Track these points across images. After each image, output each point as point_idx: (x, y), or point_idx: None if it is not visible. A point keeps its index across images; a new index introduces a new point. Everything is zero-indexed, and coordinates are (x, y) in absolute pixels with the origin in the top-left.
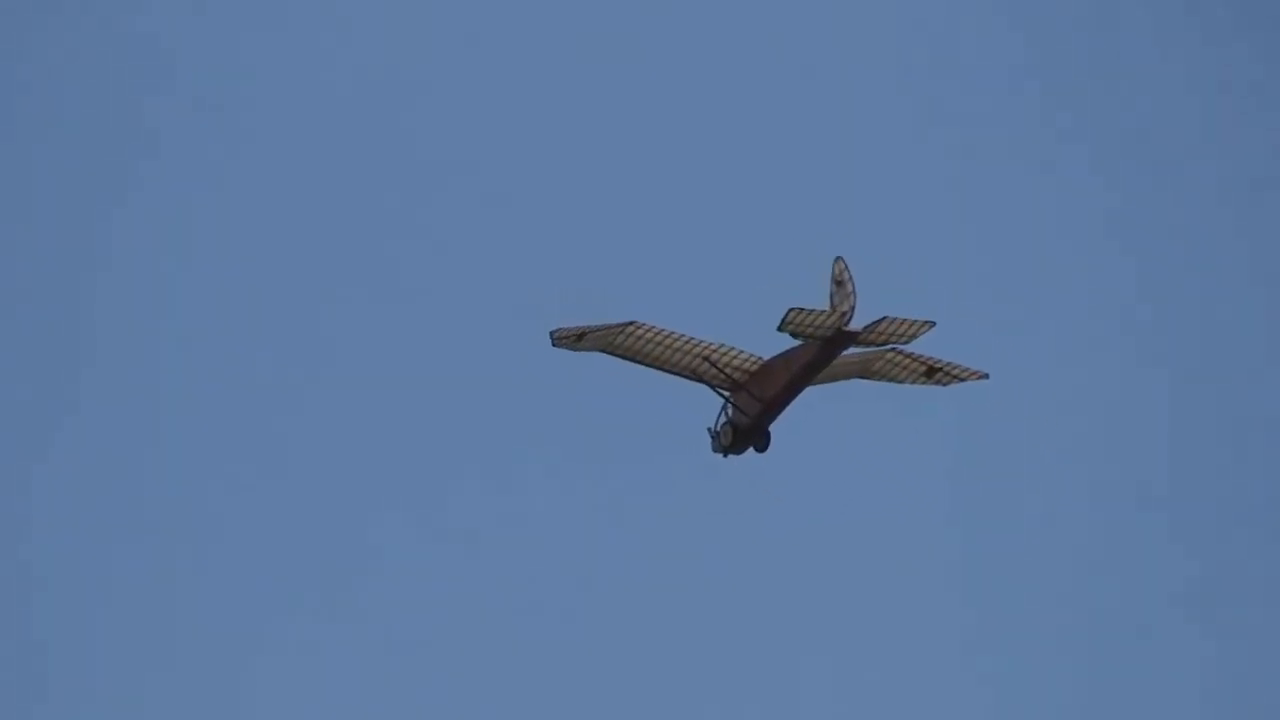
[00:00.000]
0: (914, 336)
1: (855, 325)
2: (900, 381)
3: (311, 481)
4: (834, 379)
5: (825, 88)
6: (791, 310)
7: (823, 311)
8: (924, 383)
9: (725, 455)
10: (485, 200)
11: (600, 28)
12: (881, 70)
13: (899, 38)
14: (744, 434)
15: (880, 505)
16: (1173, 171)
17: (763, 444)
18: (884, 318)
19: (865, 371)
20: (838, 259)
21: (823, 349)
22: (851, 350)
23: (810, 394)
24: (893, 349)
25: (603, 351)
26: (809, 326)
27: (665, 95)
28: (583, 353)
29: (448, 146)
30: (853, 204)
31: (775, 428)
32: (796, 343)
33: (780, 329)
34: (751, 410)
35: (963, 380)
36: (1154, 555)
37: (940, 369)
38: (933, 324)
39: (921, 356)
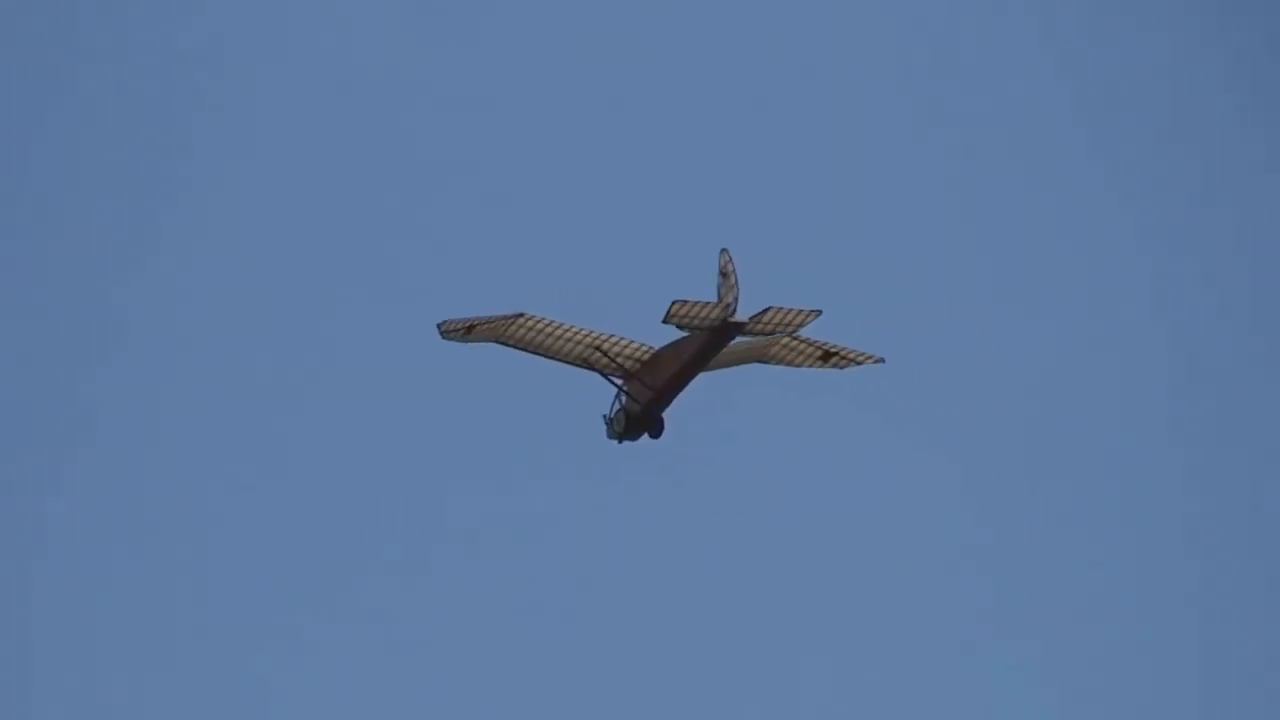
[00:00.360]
0: (800, 325)
1: (740, 316)
2: (797, 365)
3: (308, 481)
4: (731, 364)
5: (825, 88)
6: (675, 303)
7: (707, 303)
8: (820, 366)
9: (620, 441)
10: (480, 200)
11: (600, 27)
12: (882, 70)
13: (899, 38)
14: (637, 421)
15: (780, 487)
16: (1169, 171)
17: (657, 430)
18: (769, 308)
19: (762, 356)
20: (723, 250)
21: (710, 339)
22: (741, 339)
23: (707, 379)
24: (788, 335)
25: (495, 342)
26: (694, 318)
27: (660, 94)
28: (474, 344)
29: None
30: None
31: (672, 413)
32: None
33: (665, 321)
34: (643, 398)
35: (859, 364)
36: (1057, 533)
37: (836, 353)
38: (819, 313)
39: (816, 341)
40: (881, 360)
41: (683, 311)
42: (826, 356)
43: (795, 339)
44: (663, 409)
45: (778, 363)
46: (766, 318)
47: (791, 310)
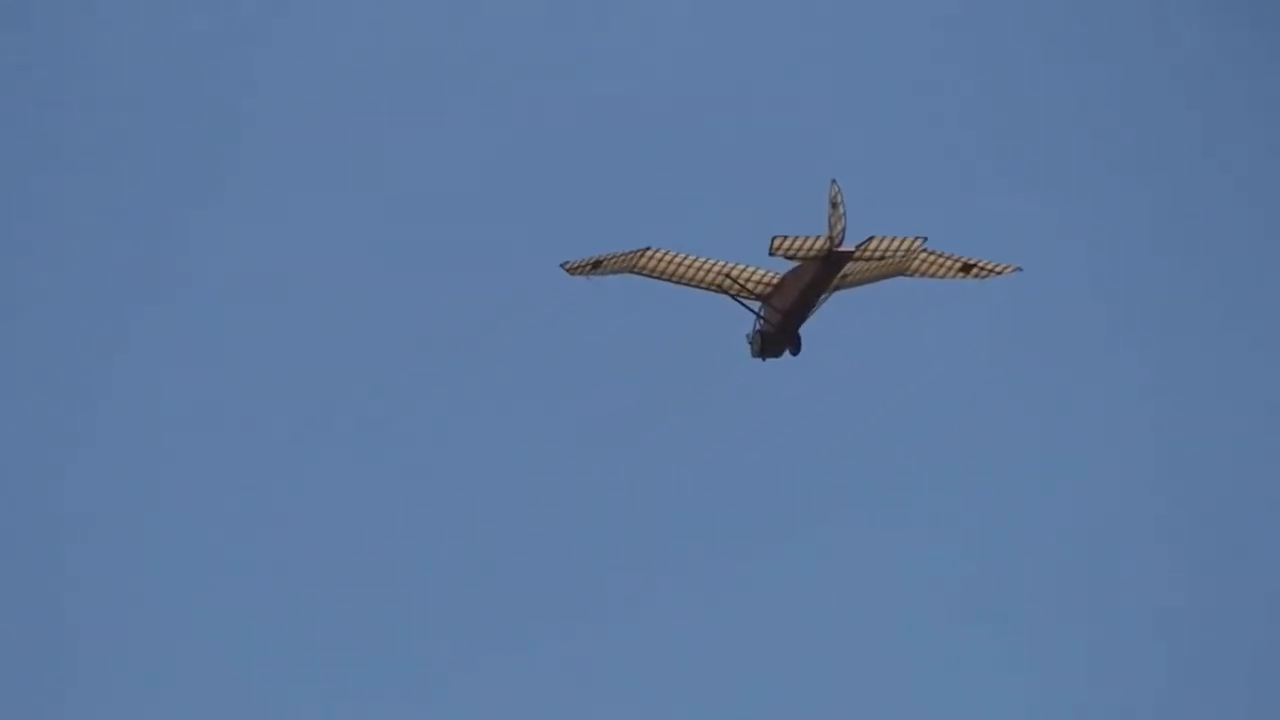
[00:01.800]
0: (906, 251)
1: (847, 245)
2: (938, 277)
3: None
4: (875, 279)
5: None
6: (775, 238)
7: (809, 236)
8: (961, 277)
9: (763, 359)
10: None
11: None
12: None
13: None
14: (773, 341)
15: (919, 400)
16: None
17: (795, 348)
18: (872, 236)
19: (904, 270)
20: (833, 181)
21: (822, 267)
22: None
23: (853, 295)
24: (926, 250)
25: (627, 273)
26: (798, 250)
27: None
28: (602, 278)
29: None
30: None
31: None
32: None
33: (771, 254)
34: (774, 320)
35: (999, 274)
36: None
37: (975, 265)
38: (924, 239)
39: (954, 255)
40: (1020, 269)
41: (785, 245)
42: (966, 268)
43: (932, 252)
44: (797, 327)
45: (919, 275)
46: (871, 245)
47: (896, 238)
